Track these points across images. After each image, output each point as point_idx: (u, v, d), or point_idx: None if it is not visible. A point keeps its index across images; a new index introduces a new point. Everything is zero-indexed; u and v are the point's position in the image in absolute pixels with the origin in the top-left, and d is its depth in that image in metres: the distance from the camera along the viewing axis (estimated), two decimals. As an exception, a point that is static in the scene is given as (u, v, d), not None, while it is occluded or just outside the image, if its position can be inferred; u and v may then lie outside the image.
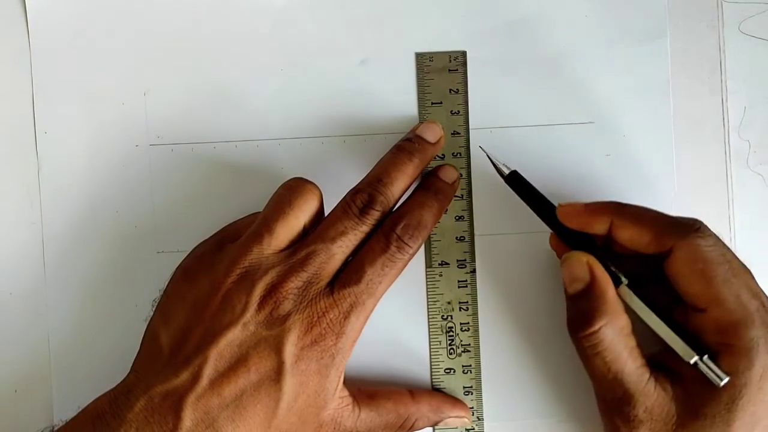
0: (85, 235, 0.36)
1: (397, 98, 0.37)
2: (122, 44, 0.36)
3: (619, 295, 0.32)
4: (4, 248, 0.36)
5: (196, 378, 0.29)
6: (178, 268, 0.33)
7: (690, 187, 0.37)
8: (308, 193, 0.32)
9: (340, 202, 0.32)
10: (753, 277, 0.31)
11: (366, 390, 0.33)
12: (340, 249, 0.31)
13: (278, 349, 0.29)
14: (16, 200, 0.36)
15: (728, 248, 0.31)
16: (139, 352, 0.32)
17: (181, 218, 0.36)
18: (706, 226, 0.31)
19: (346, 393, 0.32)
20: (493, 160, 0.35)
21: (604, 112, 0.37)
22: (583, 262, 0.32)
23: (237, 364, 0.29)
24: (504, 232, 0.37)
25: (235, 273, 0.31)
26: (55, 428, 0.31)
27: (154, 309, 0.33)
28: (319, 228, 0.32)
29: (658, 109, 0.37)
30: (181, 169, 0.37)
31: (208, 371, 0.29)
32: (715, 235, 0.31)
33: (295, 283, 0.30)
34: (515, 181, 0.34)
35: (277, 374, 0.29)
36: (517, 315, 0.36)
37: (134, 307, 0.36)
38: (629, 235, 0.32)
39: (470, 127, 0.37)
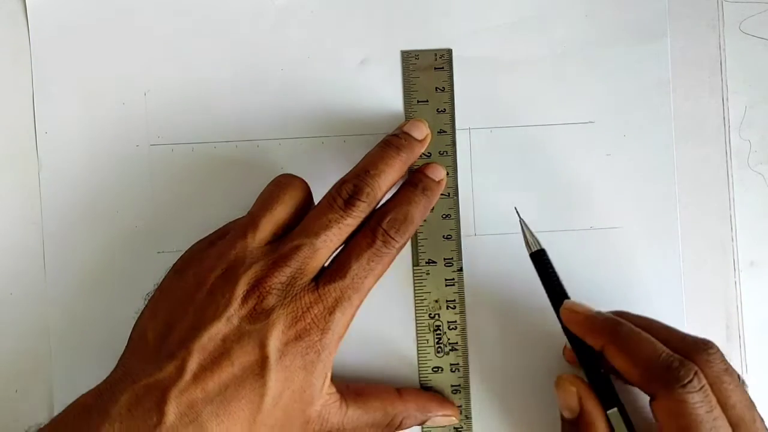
0: (85, 236, 0.36)
1: (397, 98, 0.37)
2: (122, 44, 0.36)
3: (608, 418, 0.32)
4: (4, 248, 0.36)
5: (179, 372, 0.29)
6: (173, 265, 0.33)
7: (690, 187, 0.37)
8: (294, 187, 0.32)
9: (325, 194, 0.32)
10: (744, 427, 0.30)
11: (354, 387, 0.33)
12: (325, 243, 0.31)
13: (262, 344, 0.29)
14: (16, 200, 0.36)
15: (731, 393, 0.30)
16: (126, 346, 0.32)
17: (182, 218, 0.36)
18: (699, 376, 0.29)
19: (333, 390, 0.31)
20: (526, 231, 0.34)
21: (604, 112, 0.37)
22: (573, 393, 0.32)
23: (220, 358, 0.29)
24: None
25: (220, 267, 0.31)
26: (41, 426, 0.30)
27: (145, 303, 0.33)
28: (303, 222, 0.31)
29: (658, 109, 0.37)
30: (181, 169, 0.37)
31: (192, 365, 0.29)
32: (721, 371, 0.30)
33: (279, 278, 0.30)
34: (539, 259, 0.34)
35: (261, 369, 0.29)
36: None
37: (134, 307, 0.36)
38: (618, 364, 0.31)
39: (471, 127, 0.37)
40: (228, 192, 0.36)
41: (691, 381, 0.29)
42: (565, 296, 0.34)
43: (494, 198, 0.37)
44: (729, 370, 0.31)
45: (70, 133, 0.36)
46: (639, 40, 0.37)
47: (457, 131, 0.37)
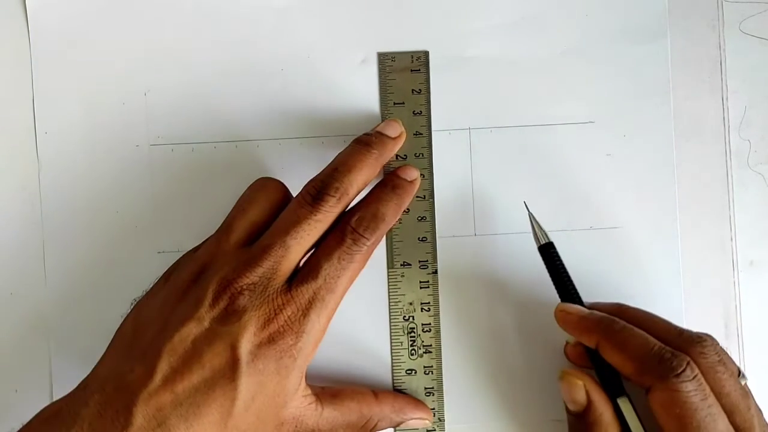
0: (85, 236, 0.36)
1: (397, 98, 0.37)
2: (122, 44, 0.36)
3: (617, 403, 0.32)
4: (4, 248, 0.36)
5: (149, 373, 0.28)
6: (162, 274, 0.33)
7: (690, 187, 0.37)
8: (268, 189, 0.32)
9: (296, 195, 0.32)
10: (738, 414, 0.31)
11: (330, 389, 0.33)
12: (296, 241, 0.30)
13: (233, 346, 0.29)
14: (16, 200, 0.36)
15: (725, 382, 0.30)
16: (105, 350, 0.32)
17: (182, 218, 0.36)
18: (691, 365, 0.30)
19: (309, 392, 0.31)
20: (534, 224, 0.34)
21: (604, 112, 0.37)
22: (580, 386, 0.32)
23: (191, 360, 0.28)
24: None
25: (196, 270, 0.31)
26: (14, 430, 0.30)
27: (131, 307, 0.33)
28: (275, 222, 0.31)
29: (658, 109, 0.37)
30: (181, 169, 0.37)
31: (162, 367, 0.28)
32: (713, 361, 0.30)
33: (250, 278, 0.30)
34: (547, 252, 0.34)
35: (232, 372, 0.28)
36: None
37: (134, 307, 0.36)
38: (613, 360, 0.32)
39: (471, 127, 0.37)
40: (228, 192, 0.36)
41: (684, 370, 0.30)
42: (573, 289, 0.34)
43: (494, 198, 0.37)
44: (723, 360, 0.31)
45: (70, 133, 0.36)
46: (639, 40, 0.37)
47: (457, 131, 0.37)
